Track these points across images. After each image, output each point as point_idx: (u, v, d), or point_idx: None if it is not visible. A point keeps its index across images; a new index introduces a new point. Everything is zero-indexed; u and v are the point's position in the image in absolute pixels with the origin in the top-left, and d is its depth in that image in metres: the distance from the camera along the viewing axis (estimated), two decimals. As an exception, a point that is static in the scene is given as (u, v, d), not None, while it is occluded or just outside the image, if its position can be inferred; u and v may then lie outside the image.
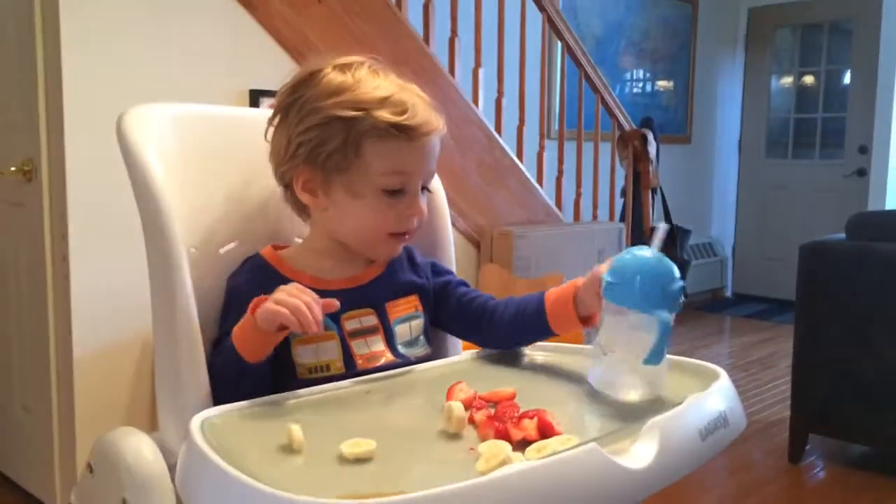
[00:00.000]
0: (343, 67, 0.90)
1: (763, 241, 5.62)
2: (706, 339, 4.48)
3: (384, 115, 0.87)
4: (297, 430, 0.65)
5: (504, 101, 3.16)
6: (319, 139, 0.89)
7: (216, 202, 0.96)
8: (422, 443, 0.69)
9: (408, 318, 0.98)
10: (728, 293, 5.73)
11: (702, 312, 5.18)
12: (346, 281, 0.95)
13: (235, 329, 0.83)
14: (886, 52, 4.67)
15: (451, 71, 2.91)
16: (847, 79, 5.29)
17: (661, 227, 0.80)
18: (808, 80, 5.51)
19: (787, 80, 5.62)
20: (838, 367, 2.47)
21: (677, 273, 0.76)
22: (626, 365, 0.79)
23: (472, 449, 0.66)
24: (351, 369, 0.89)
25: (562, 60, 3.61)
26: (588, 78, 3.55)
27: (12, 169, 2.00)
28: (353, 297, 0.93)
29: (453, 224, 2.94)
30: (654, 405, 0.76)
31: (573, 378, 0.89)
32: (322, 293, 0.87)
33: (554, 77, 4.00)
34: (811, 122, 5.46)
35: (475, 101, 3.01)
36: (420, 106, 0.90)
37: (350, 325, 0.92)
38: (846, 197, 5.08)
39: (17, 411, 2.19)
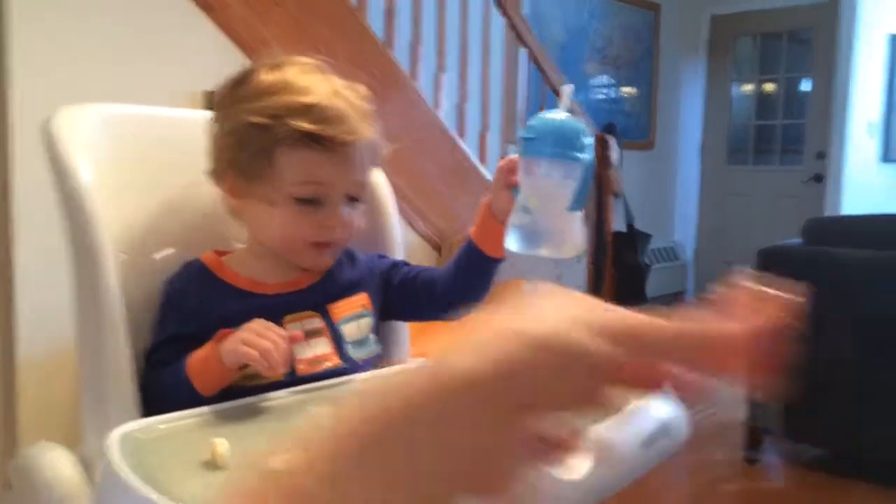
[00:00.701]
0: (275, 67, 0.88)
1: (724, 246, 5.68)
2: (668, 343, 4.52)
3: (299, 123, 0.83)
4: (220, 445, 0.62)
5: (467, 107, 3.15)
6: (239, 145, 0.87)
7: (152, 206, 0.92)
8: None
9: (355, 318, 0.95)
10: (689, 296, 5.79)
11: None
12: (286, 284, 0.93)
13: (192, 361, 0.81)
14: (843, 60, 4.76)
15: (414, 75, 2.89)
16: (806, 86, 5.38)
17: (567, 87, 0.83)
18: (769, 87, 5.59)
19: (748, 88, 5.70)
20: (794, 370, 2.50)
21: (586, 128, 0.80)
22: (549, 218, 0.80)
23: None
24: (291, 375, 0.86)
25: (526, 66, 3.62)
26: (551, 84, 3.55)
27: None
28: (294, 301, 0.91)
29: (413, 226, 2.93)
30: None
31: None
32: (260, 297, 0.85)
33: (518, 83, 4.01)
34: (771, 128, 5.55)
35: (437, 105, 2.99)
36: (346, 114, 0.86)
37: (291, 328, 0.89)
38: (805, 202, 5.17)
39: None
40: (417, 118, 2.87)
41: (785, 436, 2.68)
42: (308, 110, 0.84)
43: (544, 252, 0.80)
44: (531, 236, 0.81)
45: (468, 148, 3.07)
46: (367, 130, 0.88)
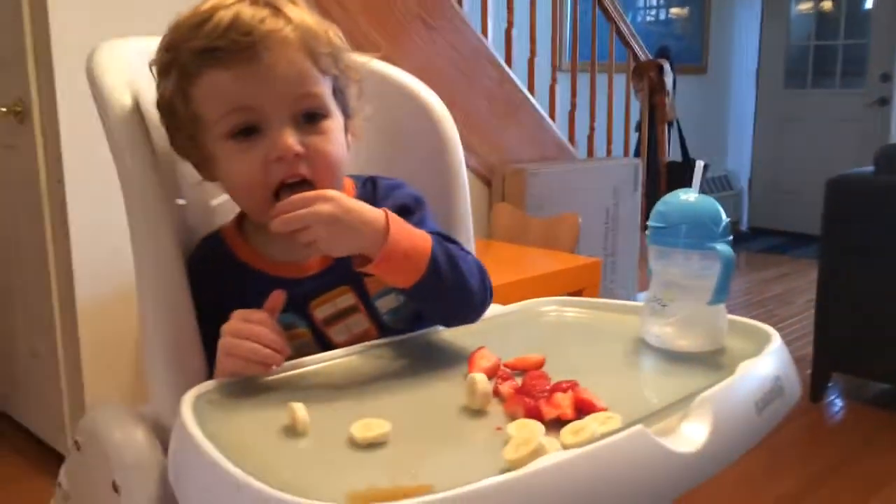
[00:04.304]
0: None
1: (780, 174, 5.48)
2: (721, 275, 4.41)
3: (194, 44, 0.69)
4: (300, 410, 0.58)
5: (514, 32, 3.01)
6: (161, 97, 0.75)
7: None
8: (442, 421, 0.61)
9: (392, 289, 0.80)
10: (743, 227, 5.63)
11: (716, 248, 5.09)
12: (320, 261, 0.79)
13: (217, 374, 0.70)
14: (916, -27, 4.45)
15: (459, 0, 2.76)
16: (868, 4, 5.06)
17: (699, 165, 0.77)
18: (827, 5, 5.28)
19: (807, 6, 5.39)
20: (862, 306, 2.40)
21: (722, 210, 0.73)
22: (687, 312, 0.73)
23: (498, 428, 0.58)
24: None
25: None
26: (601, 5, 3.38)
27: (3, 110, 1.90)
28: (326, 279, 0.78)
29: (465, 162, 2.85)
30: (704, 373, 0.68)
31: (608, 340, 0.80)
32: (289, 283, 0.74)
33: (565, 5, 3.83)
34: (832, 49, 5.25)
35: (484, 31, 2.86)
36: (239, 14, 0.69)
37: (321, 311, 0.78)
38: (867, 127, 4.93)
39: (25, 357, 2.15)
40: (465, 48, 2.75)
41: (853, 372, 2.60)
42: (199, 27, 0.69)
43: (681, 347, 0.74)
44: (668, 331, 0.74)
45: (515, 75, 2.94)
46: (277, 26, 0.70)
